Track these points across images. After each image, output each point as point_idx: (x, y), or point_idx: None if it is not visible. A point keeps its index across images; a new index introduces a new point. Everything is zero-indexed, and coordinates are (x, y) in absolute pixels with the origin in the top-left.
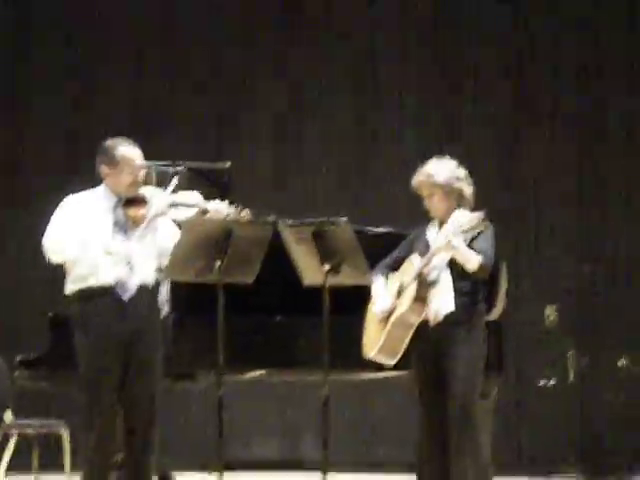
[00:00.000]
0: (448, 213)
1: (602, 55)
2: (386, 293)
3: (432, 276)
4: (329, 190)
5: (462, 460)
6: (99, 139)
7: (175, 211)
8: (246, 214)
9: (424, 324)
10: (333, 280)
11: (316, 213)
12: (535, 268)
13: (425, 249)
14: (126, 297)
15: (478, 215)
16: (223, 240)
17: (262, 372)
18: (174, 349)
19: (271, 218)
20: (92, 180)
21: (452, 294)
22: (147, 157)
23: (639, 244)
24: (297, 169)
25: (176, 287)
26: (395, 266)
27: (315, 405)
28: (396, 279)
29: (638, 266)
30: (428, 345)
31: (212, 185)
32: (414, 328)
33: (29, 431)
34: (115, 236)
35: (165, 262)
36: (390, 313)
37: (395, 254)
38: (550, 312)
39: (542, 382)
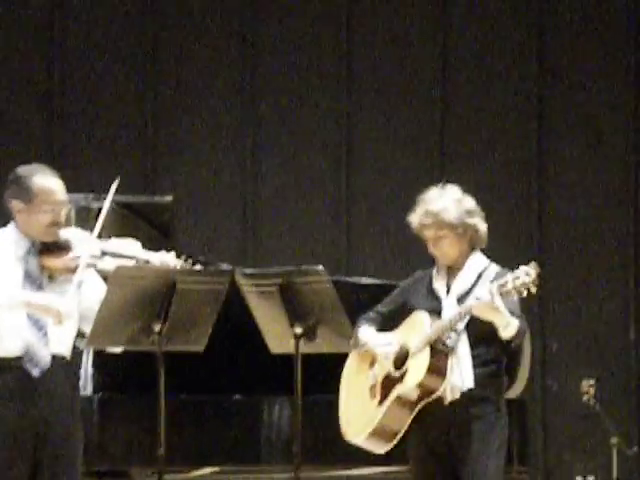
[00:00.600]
0: (462, 258)
1: None
2: (386, 335)
3: (450, 341)
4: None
5: None
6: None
7: (103, 262)
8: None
9: (434, 403)
10: (307, 347)
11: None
12: (568, 329)
13: (432, 303)
14: (36, 372)
15: (527, 270)
16: (164, 296)
17: (214, 469)
18: (100, 439)
19: (226, 266)
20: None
21: (471, 365)
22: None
23: None
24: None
25: (102, 358)
26: (383, 323)
27: None
28: (391, 339)
29: None
30: (438, 431)
31: (151, 226)
32: (422, 406)
33: None
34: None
35: (88, 326)
36: (386, 382)
37: (381, 308)
38: (588, 386)
39: (578, 479)
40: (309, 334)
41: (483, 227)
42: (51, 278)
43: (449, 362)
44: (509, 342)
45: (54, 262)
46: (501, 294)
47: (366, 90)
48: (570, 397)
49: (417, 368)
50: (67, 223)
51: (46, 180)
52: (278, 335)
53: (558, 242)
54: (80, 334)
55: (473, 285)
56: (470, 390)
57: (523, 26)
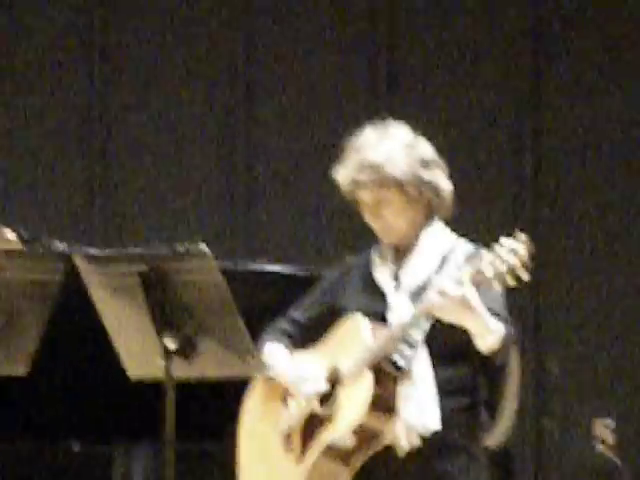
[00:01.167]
0: (415, 232)
1: None
2: (307, 360)
3: (402, 361)
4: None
5: None
6: None
7: None
8: (11, 237)
9: (383, 454)
10: (184, 370)
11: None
12: (573, 354)
13: (373, 302)
14: None
15: (513, 246)
16: None
17: None
18: None
19: (62, 246)
20: None
21: (434, 396)
22: None
23: None
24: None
25: None
26: (301, 338)
27: None
28: (316, 360)
29: None
30: None
31: None
32: (363, 461)
33: None
34: None
35: None
36: (308, 426)
37: (297, 315)
38: (603, 428)
39: None
40: (186, 350)
41: (447, 186)
42: None
43: (401, 391)
44: (489, 358)
45: None
46: (476, 284)
47: None
48: (577, 444)
49: (353, 402)
50: None
51: None
52: (139, 351)
53: (558, 217)
54: None
55: (433, 273)
56: (434, 434)
57: None
